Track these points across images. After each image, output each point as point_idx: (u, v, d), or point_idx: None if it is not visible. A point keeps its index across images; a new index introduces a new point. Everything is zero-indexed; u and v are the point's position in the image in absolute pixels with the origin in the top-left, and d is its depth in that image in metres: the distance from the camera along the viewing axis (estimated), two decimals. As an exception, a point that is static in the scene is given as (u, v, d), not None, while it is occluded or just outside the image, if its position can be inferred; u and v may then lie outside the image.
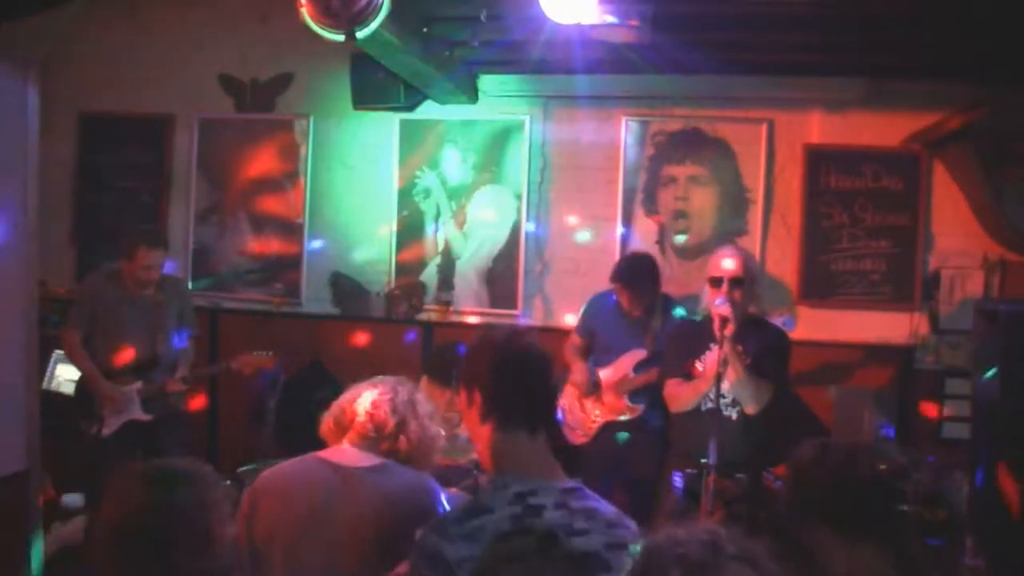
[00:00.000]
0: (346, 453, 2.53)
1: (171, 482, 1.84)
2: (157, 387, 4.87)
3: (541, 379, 2.11)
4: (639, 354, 4.76)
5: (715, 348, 3.74)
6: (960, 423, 4.96)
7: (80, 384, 4.92)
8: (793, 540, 1.90)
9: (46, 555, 2.79)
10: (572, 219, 5.69)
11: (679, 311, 4.83)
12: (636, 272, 4.74)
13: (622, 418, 4.79)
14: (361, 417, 2.53)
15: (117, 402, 4.78)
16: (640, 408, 4.74)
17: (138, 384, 4.84)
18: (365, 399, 2.56)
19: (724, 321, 3.67)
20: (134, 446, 4.75)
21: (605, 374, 4.83)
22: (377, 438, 2.52)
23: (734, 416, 3.86)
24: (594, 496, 2.05)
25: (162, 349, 4.92)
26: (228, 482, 2.05)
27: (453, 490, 4.27)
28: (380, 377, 2.67)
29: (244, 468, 3.94)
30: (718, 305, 3.72)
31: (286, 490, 2.48)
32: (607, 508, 2.03)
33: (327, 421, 2.62)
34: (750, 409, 3.83)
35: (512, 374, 2.07)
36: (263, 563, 2.41)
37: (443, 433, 2.64)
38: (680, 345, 4.09)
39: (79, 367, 4.88)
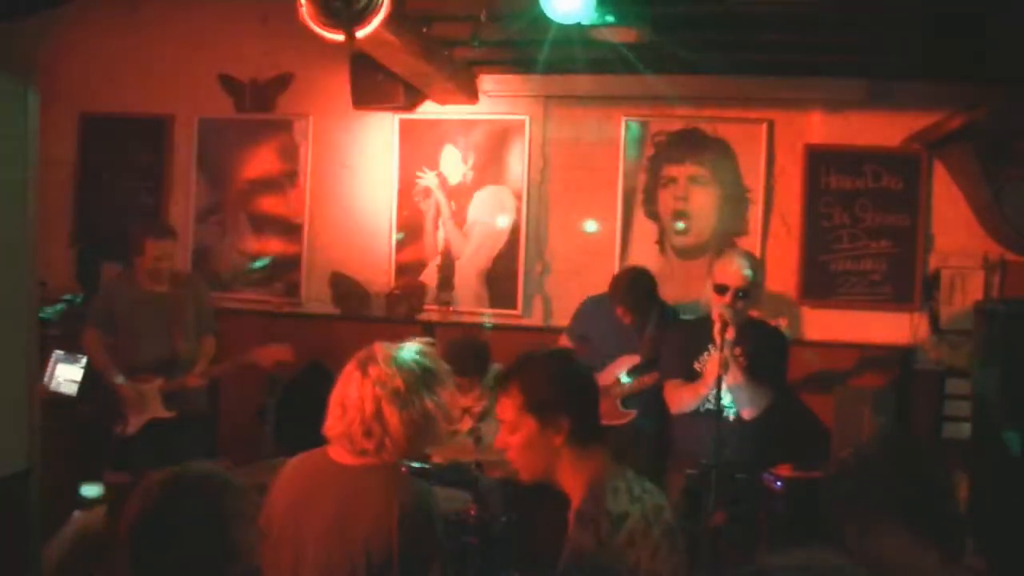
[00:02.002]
0: (344, 451, 2.52)
1: (190, 493, 1.83)
2: (178, 383, 4.88)
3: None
4: (632, 359, 4.75)
5: (713, 350, 3.74)
6: (960, 423, 4.96)
7: (85, 384, 4.93)
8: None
9: (62, 544, 2.81)
10: (572, 219, 5.69)
11: (676, 315, 4.84)
12: (634, 292, 4.71)
13: (614, 423, 4.73)
14: (339, 439, 2.47)
15: (135, 400, 4.80)
16: (632, 413, 4.72)
17: (159, 381, 4.86)
18: (338, 424, 2.45)
19: (724, 325, 3.68)
20: (158, 444, 4.74)
21: (598, 379, 4.80)
22: (361, 452, 2.47)
23: (732, 417, 3.86)
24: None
25: (181, 346, 4.94)
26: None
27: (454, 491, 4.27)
28: (357, 367, 2.57)
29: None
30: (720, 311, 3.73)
31: (286, 479, 2.52)
32: None
33: (326, 421, 2.58)
34: (747, 413, 3.82)
35: (592, 397, 2.27)
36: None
37: (434, 407, 2.51)
38: (679, 346, 4.09)
39: (98, 366, 4.90)
